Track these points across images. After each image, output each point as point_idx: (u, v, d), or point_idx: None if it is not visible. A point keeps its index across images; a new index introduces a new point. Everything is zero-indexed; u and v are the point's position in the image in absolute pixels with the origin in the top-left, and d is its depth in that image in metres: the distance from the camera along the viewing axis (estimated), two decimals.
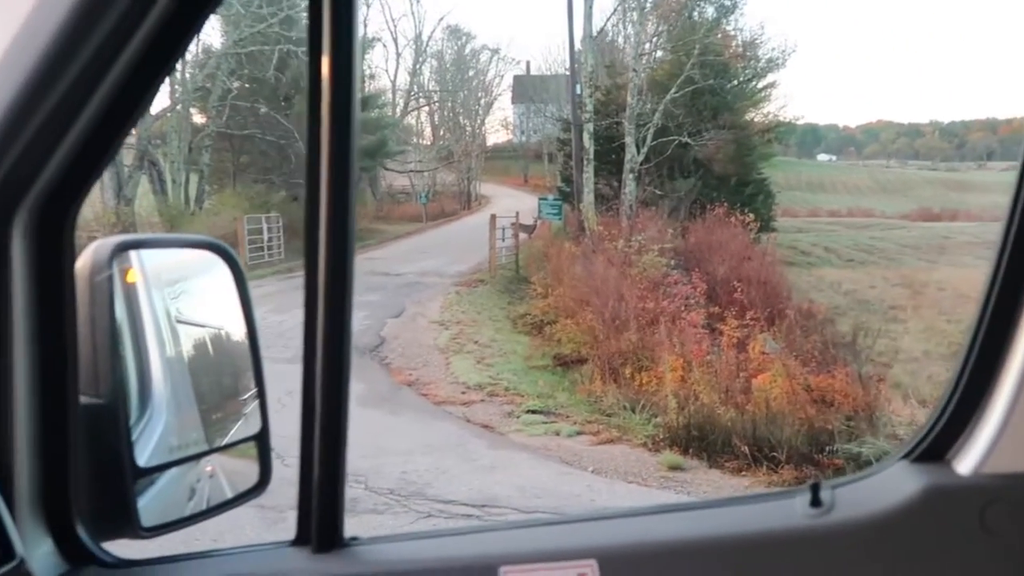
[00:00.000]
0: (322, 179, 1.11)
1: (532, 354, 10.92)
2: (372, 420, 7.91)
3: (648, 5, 21.29)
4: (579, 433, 7.95)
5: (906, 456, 1.35)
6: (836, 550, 1.28)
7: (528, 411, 8.59)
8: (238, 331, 1.32)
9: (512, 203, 25.10)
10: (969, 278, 13.28)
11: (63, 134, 0.99)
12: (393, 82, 34.80)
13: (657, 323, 10.37)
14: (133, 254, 1.19)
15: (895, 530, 1.28)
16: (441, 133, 39.29)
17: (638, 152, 20.03)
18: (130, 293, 1.18)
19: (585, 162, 20.11)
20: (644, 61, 21.04)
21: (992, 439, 1.28)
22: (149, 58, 0.99)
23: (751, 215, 17.72)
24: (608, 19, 22.53)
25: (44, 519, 1.12)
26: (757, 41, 23.13)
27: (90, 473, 1.13)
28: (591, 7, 20.55)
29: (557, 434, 7.92)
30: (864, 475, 1.37)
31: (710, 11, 22.74)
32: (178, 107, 23.25)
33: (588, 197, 19.77)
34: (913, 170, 32.71)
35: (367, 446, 6.96)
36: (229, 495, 1.34)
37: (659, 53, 22.29)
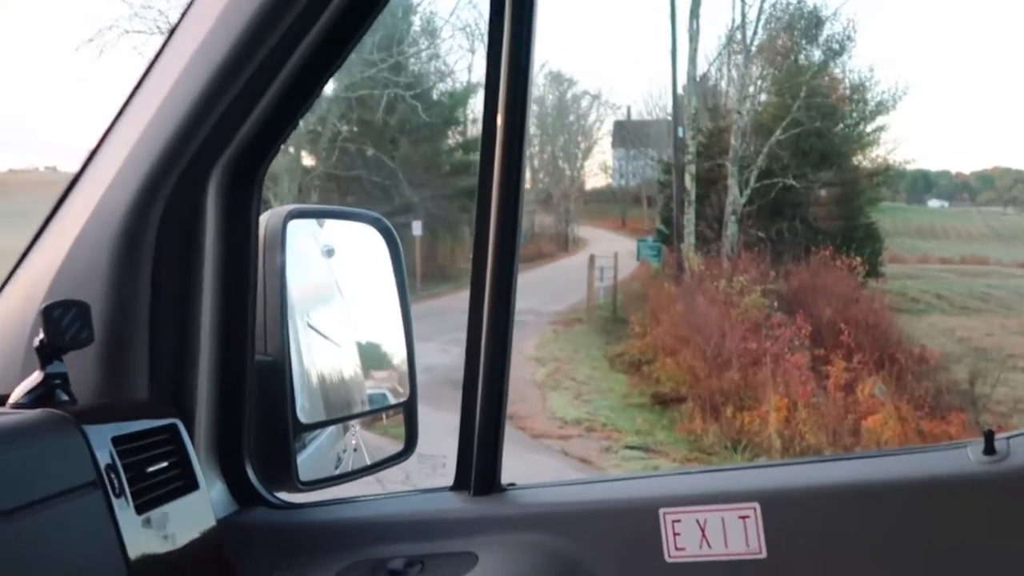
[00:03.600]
0: (493, 197, 1.21)
1: (630, 392, 10.82)
2: None
3: (753, 49, 21.13)
4: None
5: None
6: (1011, 497, 1.23)
7: (626, 447, 8.49)
8: (392, 303, 1.37)
9: (609, 245, 25.09)
10: None
11: (253, 106, 1.09)
12: None
13: (759, 363, 10.14)
14: (305, 223, 1.27)
15: None
16: (540, 176, 39.64)
17: (740, 194, 19.77)
18: (301, 258, 1.25)
19: (686, 204, 19.97)
20: (748, 104, 20.84)
21: None
22: (325, 45, 1.10)
23: (858, 259, 17.20)
24: (712, 63, 22.40)
25: (218, 462, 1.19)
26: (866, 83, 22.58)
27: (258, 424, 1.20)
28: (695, 50, 20.53)
29: (656, 469, 7.80)
30: None
31: (817, 54, 22.38)
32: (290, 149, 24.19)
33: (689, 239, 19.59)
34: None
35: None
36: (370, 462, 1.39)
37: (763, 96, 22.03)
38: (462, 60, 29.57)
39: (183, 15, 1.10)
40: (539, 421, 9.63)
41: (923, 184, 35.17)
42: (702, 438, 8.70)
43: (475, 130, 34.32)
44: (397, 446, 1.41)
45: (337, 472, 1.35)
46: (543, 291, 21.09)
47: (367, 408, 1.42)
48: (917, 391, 9.49)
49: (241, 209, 1.16)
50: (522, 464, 7.76)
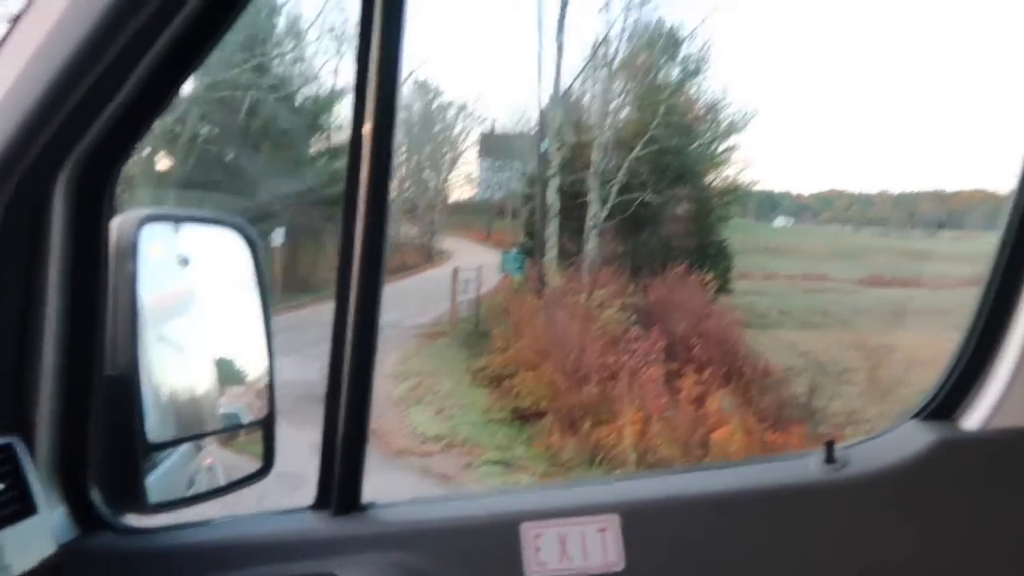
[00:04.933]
0: (359, 205, 1.19)
1: (491, 406, 10.89)
2: None
3: (615, 64, 21.77)
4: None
5: (916, 415, 1.41)
6: (850, 503, 1.31)
7: (486, 463, 8.55)
8: (253, 315, 1.32)
9: (474, 257, 25.22)
10: (922, 344, 13.57)
11: (106, 102, 1.01)
12: None
13: (617, 377, 10.43)
14: (160, 227, 1.19)
15: (906, 484, 1.31)
16: (406, 186, 39.45)
17: (601, 209, 20.28)
18: (155, 266, 1.17)
19: (549, 217, 20.31)
20: (610, 119, 21.44)
21: (998, 397, 1.35)
22: (184, 41, 1.04)
23: (710, 275, 17.95)
24: (576, 78, 22.93)
25: (61, 484, 1.11)
26: (719, 105, 23.71)
27: (104, 444, 1.13)
28: (560, 64, 20.97)
29: (516, 485, 7.89)
30: (876, 435, 1.43)
31: (675, 72, 23.31)
32: (146, 150, 23.13)
33: (551, 252, 19.92)
34: (866, 237, 33.50)
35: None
36: (224, 482, 1.33)
37: (625, 112, 22.73)
38: (329, 64, 29.05)
39: (28, 2, 1.02)
40: (400, 437, 9.57)
41: (769, 204, 37.12)
42: (560, 453, 8.86)
43: (341, 136, 33.80)
44: (254, 465, 1.35)
45: (189, 493, 1.30)
46: (406, 303, 20.96)
47: (222, 426, 1.36)
48: (762, 404, 9.99)
49: (91, 212, 1.08)
50: (382, 482, 7.67)
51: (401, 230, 36.10)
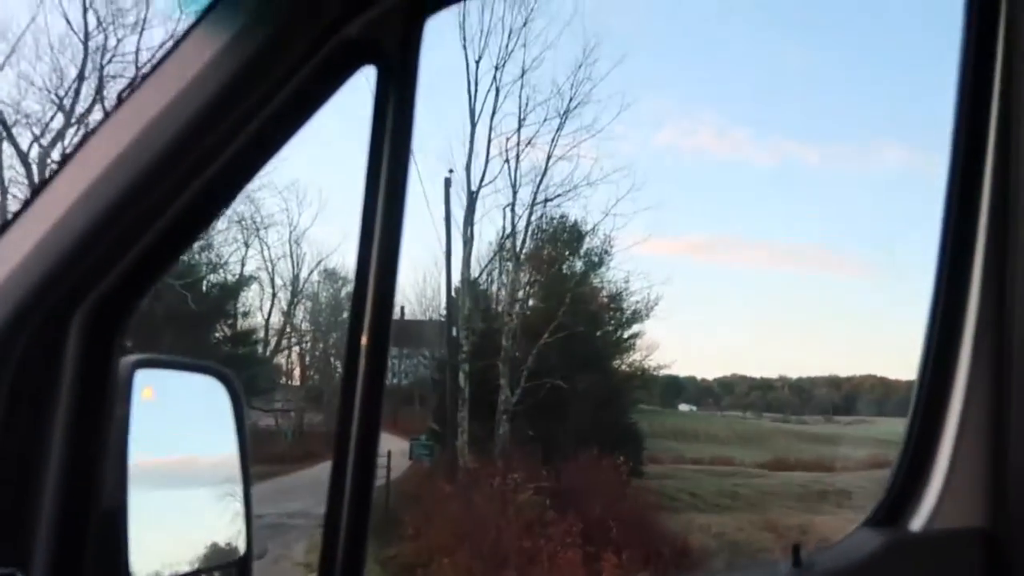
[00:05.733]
0: (366, 312, 1.25)
1: None
2: None
3: (522, 256, 22.61)
4: None
5: (867, 522, 1.50)
6: None
7: None
8: (232, 459, 1.36)
9: (382, 445, 24.71)
10: (827, 524, 13.78)
11: (128, 250, 1.08)
12: (267, 320, 34.76)
13: (535, 562, 10.18)
14: (149, 372, 1.23)
15: None
16: (311, 373, 38.98)
17: (512, 394, 20.43)
18: (143, 408, 1.21)
19: (460, 403, 20.29)
20: (517, 307, 22.02)
21: (935, 500, 1.45)
22: (202, 199, 1.11)
23: (621, 459, 18.05)
24: (484, 267, 23.69)
25: None
26: (623, 293, 24.67)
27: None
28: (469, 254, 21.66)
29: None
30: (837, 542, 1.52)
31: (579, 264, 24.32)
32: None
33: (462, 437, 19.77)
34: (767, 422, 34.49)
35: None
36: None
37: (531, 301, 23.40)
38: (236, 252, 29.23)
39: (63, 160, 1.11)
40: None
41: (674, 388, 38.09)
42: None
43: (245, 323, 33.60)
44: None
45: None
46: (313, 493, 20.19)
47: (202, 565, 1.36)
48: None
49: (100, 355, 1.13)
50: None
51: (306, 418, 35.37)
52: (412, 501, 16.33)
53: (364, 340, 1.25)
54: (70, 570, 1.11)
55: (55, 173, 1.13)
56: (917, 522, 1.45)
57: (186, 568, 1.34)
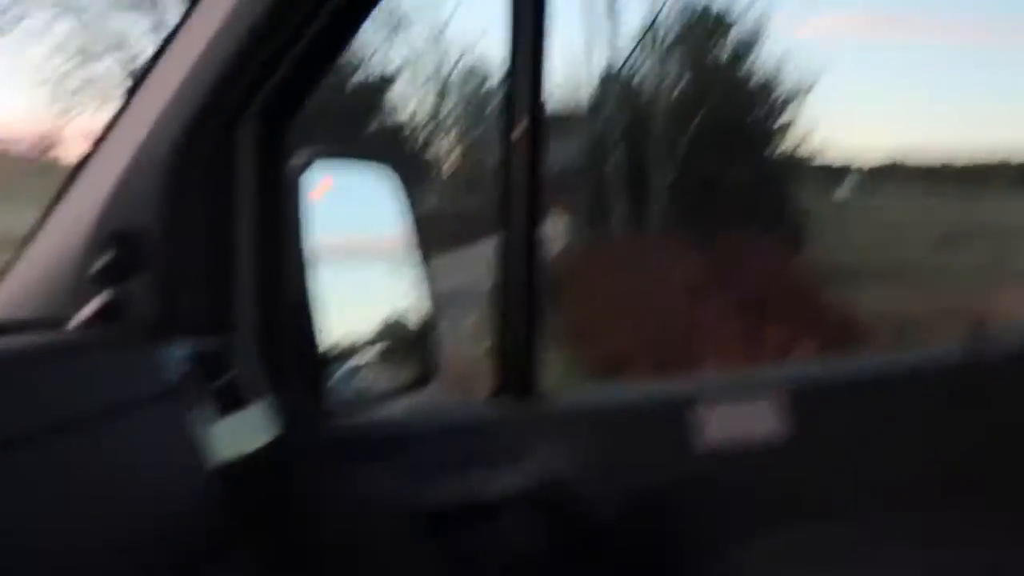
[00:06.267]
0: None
1: (565, 370, 10.88)
2: None
3: (668, 44, 21.80)
4: None
5: None
6: (998, 381, 1.42)
7: None
8: (407, 241, 1.43)
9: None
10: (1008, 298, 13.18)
11: (286, 55, 1.14)
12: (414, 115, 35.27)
13: (695, 335, 10.32)
14: (321, 165, 1.29)
15: None
16: (463, 161, 39.79)
17: (661, 181, 20.29)
18: (320, 200, 1.28)
19: (612, 187, 20.37)
20: (665, 96, 21.49)
21: None
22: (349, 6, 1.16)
23: (781, 241, 17.78)
24: (630, 55, 22.87)
25: (265, 383, 1.21)
26: (776, 78, 23.65)
27: (291, 353, 1.23)
28: (614, 39, 20.98)
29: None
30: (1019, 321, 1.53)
31: (728, 50, 23.36)
32: None
33: (616, 219, 19.98)
34: (935, 204, 32.86)
35: None
36: (391, 388, 1.41)
37: (678, 90, 22.78)
38: (384, 49, 29.29)
39: None
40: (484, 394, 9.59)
41: (832, 175, 36.50)
42: None
43: (394, 119, 34.30)
44: (413, 376, 1.44)
45: (362, 397, 1.38)
46: (475, 270, 21.07)
47: (390, 339, 1.46)
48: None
49: (274, 150, 1.20)
50: None
51: (462, 202, 36.48)
52: (567, 277, 16.77)
53: (516, 132, 1.32)
54: (274, 345, 1.22)
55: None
56: None
57: (377, 339, 1.43)
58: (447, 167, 38.89)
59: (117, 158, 1.15)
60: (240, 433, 1.10)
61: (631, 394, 1.48)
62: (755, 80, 23.85)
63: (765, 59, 23.61)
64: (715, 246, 16.35)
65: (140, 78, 1.19)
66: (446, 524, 1.29)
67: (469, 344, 11.84)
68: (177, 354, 1.06)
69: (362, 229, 1.47)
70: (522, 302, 1.36)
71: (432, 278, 1.45)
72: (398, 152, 28.36)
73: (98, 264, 1.08)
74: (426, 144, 35.02)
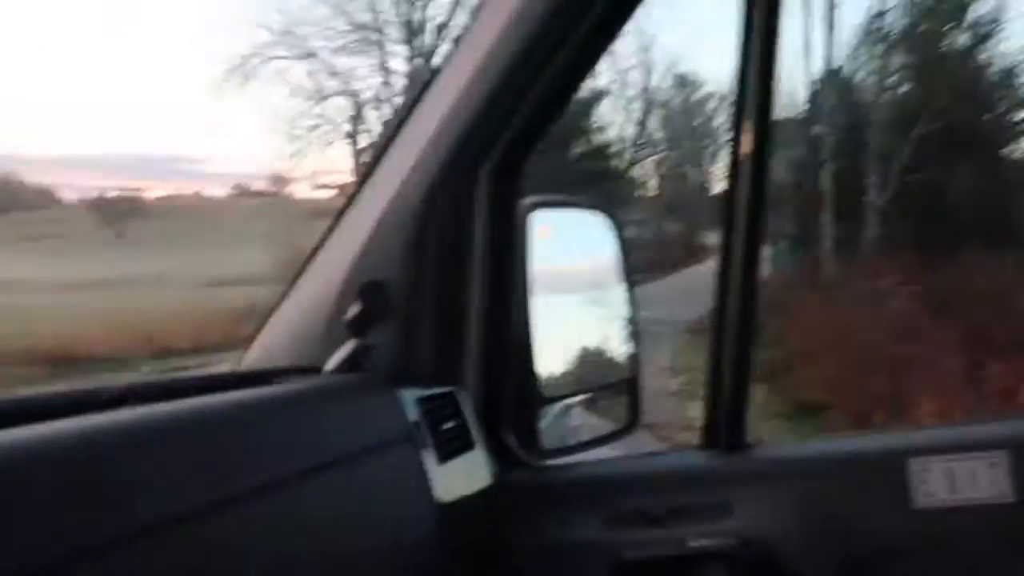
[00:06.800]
0: (742, 162, 1.31)
1: (770, 400, 10.49)
2: None
3: (893, 37, 20.18)
4: None
5: None
6: None
7: None
8: (618, 287, 1.51)
9: None
10: None
11: (521, 102, 1.22)
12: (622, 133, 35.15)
13: (910, 370, 9.65)
14: (543, 212, 1.39)
15: None
16: (664, 183, 39.14)
17: (882, 192, 18.94)
18: (540, 245, 1.37)
19: (823, 206, 19.28)
20: (888, 96, 19.96)
21: None
22: (587, 40, 1.20)
23: (1012, 258, 16.13)
24: (849, 56, 21.50)
25: (483, 428, 1.31)
26: (1019, 67, 21.09)
27: (510, 396, 1.34)
28: (831, 42, 19.90)
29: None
30: None
31: (963, 39, 21.12)
32: None
33: (825, 242, 18.90)
34: None
35: None
36: (598, 435, 1.49)
37: (904, 88, 21.02)
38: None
39: (472, 21, 1.26)
40: (678, 431, 9.45)
41: None
42: None
43: (600, 138, 34.32)
44: (615, 425, 1.51)
45: (572, 443, 1.45)
46: (673, 300, 20.75)
47: (597, 385, 1.54)
48: None
49: (506, 201, 1.29)
50: None
51: (663, 227, 35.95)
52: (774, 307, 16.13)
53: (744, 148, 1.30)
54: (493, 391, 1.31)
55: (449, 56, 1.28)
56: None
57: (587, 387, 1.52)
58: (648, 190, 38.48)
59: (369, 212, 1.25)
60: (462, 476, 1.19)
61: (844, 447, 1.44)
62: (994, 69, 21.31)
63: (1009, 44, 21.21)
64: (936, 270, 15.18)
65: (391, 133, 1.30)
66: (645, 575, 1.30)
67: (660, 380, 11.78)
68: (411, 400, 1.16)
69: (578, 275, 1.56)
70: (736, 346, 1.35)
71: (641, 330, 1.50)
72: (603, 176, 28.46)
73: (348, 314, 1.19)
74: (629, 166, 34.89)
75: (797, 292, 15.93)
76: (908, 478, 1.28)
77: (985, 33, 20.79)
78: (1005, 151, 21.80)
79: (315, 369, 1.19)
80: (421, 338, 1.25)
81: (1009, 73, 21.21)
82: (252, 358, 1.29)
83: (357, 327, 1.19)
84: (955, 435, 1.37)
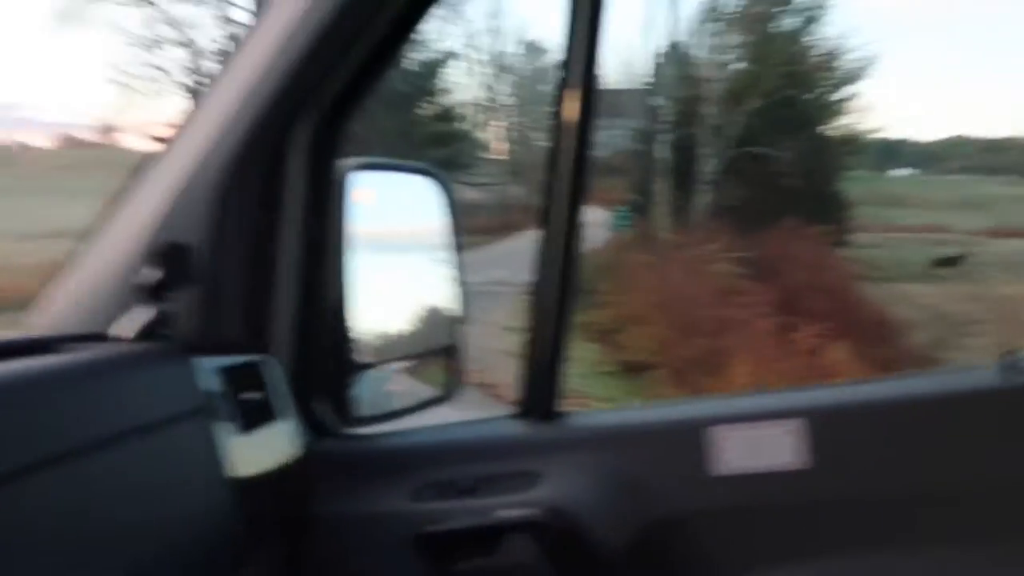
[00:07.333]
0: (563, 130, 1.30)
1: (600, 360, 10.93)
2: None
3: (729, 17, 21.12)
4: None
5: None
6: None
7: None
8: (444, 251, 1.46)
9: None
10: None
11: (342, 57, 1.17)
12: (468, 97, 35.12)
13: (728, 331, 10.32)
14: (364, 174, 1.34)
15: None
16: (510, 147, 39.43)
17: (714, 163, 19.90)
18: (359, 207, 1.31)
19: (659, 173, 20.06)
20: (722, 73, 20.89)
21: None
22: (407, 11, 1.19)
23: (826, 228, 17.42)
24: (688, 32, 22.32)
25: (293, 397, 1.26)
26: (838, 50, 22.59)
27: (321, 364, 1.29)
28: (674, 18, 20.56)
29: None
30: None
31: (791, 22, 22.35)
32: None
33: (660, 208, 19.70)
34: (995, 186, 31.72)
35: None
36: (415, 402, 1.46)
37: (737, 65, 22.06)
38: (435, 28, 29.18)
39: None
40: (509, 391, 9.70)
41: (890, 153, 35.47)
42: None
43: (446, 100, 34.19)
44: (434, 391, 1.47)
45: (387, 411, 1.42)
46: (514, 262, 21.01)
47: (415, 351, 1.49)
48: (881, 356, 9.73)
49: (324, 161, 1.24)
50: None
51: (507, 191, 36.22)
52: (605, 271, 16.70)
53: (568, 114, 1.29)
54: (304, 358, 1.27)
55: (268, 8, 1.21)
56: None
57: (404, 353, 1.48)
58: (494, 153, 38.70)
59: (176, 169, 1.18)
60: (264, 448, 1.14)
61: (650, 416, 1.45)
62: (817, 51, 22.97)
63: (832, 29, 22.45)
64: (756, 238, 16.17)
65: (208, 88, 1.23)
66: (449, 546, 1.29)
67: (495, 342, 12.00)
68: (210, 370, 1.10)
69: (400, 238, 1.49)
70: (552, 314, 1.35)
71: (468, 295, 1.45)
72: (450, 139, 28.38)
73: (146, 278, 1.12)
74: (475, 129, 34.92)
75: (631, 256, 16.56)
76: (709, 446, 1.30)
77: (810, 17, 22.16)
78: (824, 128, 23.35)
79: (104, 337, 1.12)
80: (227, 304, 1.19)
81: (831, 55, 22.75)
82: (37, 324, 1.20)
83: (155, 292, 1.12)
84: (755, 404, 1.40)
